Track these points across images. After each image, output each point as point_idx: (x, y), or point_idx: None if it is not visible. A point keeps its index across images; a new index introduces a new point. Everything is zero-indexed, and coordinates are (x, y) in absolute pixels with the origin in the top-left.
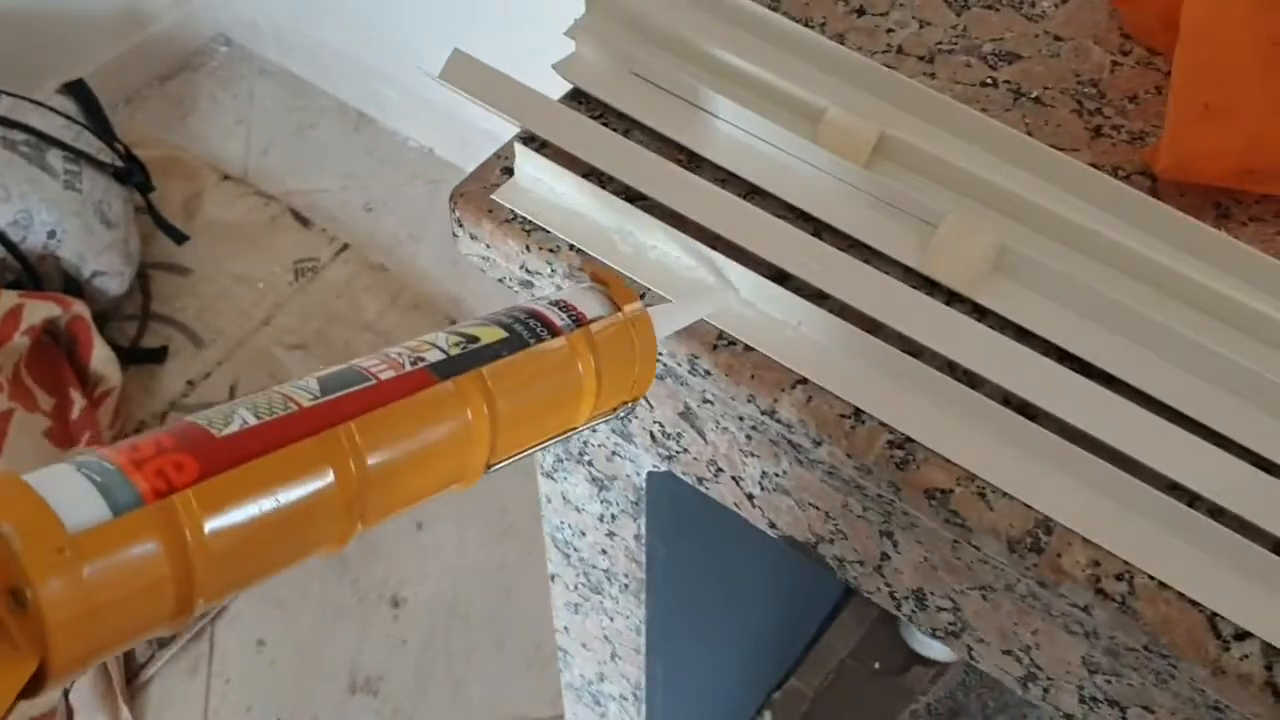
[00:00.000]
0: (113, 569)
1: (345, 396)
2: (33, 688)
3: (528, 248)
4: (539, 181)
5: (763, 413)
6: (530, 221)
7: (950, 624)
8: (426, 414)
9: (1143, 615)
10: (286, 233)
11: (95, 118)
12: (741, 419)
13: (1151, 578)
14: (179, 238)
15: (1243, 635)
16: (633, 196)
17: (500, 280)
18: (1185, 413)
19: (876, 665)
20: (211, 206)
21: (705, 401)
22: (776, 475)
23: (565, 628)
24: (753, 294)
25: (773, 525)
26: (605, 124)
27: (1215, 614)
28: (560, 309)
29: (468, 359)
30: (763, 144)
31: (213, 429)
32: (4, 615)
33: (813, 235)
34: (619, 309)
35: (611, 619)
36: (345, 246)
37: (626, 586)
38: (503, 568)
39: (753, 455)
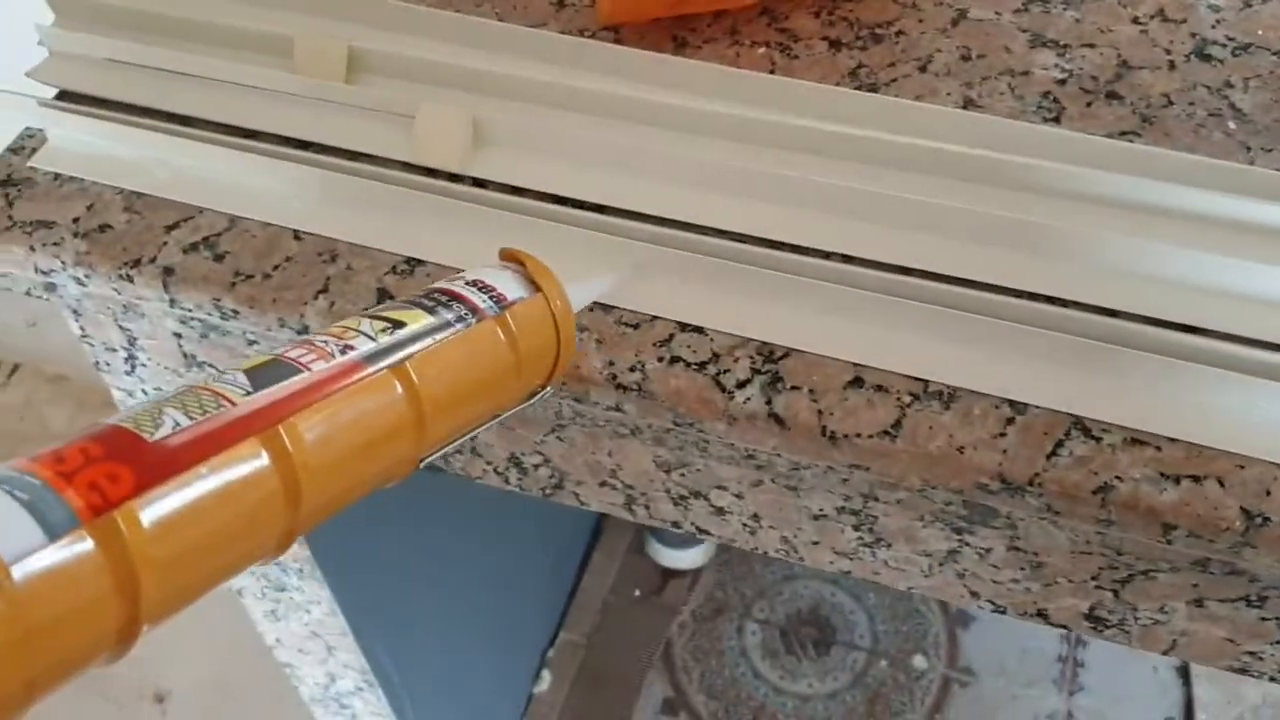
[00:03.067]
0: (53, 599)
1: (279, 391)
2: None
3: (32, 248)
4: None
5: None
6: (30, 222)
7: (550, 478)
8: (362, 406)
9: (658, 394)
10: None
11: None
12: None
13: (660, 359)
14: None
15: (743, 383)
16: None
17: (27, 293)
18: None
19: (637, 593)
20: None
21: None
22: None
23: (278, 640)
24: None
25: None
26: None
27: (720, 373)
28: (479, 289)
29: (397, 346)
30: (246, 87)
31: (143, 432)
32: None
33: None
34: (537, 289)
35: (309, 611)
36: (16, 367)
37: (301, 571)
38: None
39: None
